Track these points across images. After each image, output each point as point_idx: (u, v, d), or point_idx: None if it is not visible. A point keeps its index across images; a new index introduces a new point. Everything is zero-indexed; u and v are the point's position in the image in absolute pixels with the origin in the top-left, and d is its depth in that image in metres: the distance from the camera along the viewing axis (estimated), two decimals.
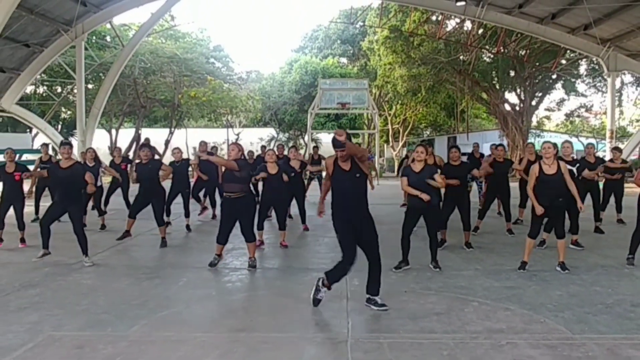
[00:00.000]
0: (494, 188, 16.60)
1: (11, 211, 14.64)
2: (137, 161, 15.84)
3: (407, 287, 10.11)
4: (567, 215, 13.02)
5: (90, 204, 18.51)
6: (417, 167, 11.45)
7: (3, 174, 14.50)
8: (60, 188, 12.44)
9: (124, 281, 10.88)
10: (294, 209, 17.50)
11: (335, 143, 8.53)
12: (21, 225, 14.78)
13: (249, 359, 6.90)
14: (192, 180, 18.42)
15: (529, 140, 40.74)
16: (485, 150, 21.20)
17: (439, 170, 12.33)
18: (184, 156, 17.80)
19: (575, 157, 14.55)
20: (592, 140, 41.95)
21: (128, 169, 19.53)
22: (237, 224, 11.77)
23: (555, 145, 11.96)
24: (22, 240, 14.66)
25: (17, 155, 16.97)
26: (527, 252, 11.67)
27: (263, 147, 21.05)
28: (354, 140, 56.73)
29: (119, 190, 19.05)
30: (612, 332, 7.71)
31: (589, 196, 16.09)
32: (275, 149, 17.28)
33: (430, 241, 11.74)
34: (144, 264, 12.59)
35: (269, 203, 14.95)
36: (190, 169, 17.82)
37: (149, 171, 14.69)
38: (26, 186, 15.51)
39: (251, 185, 18.03)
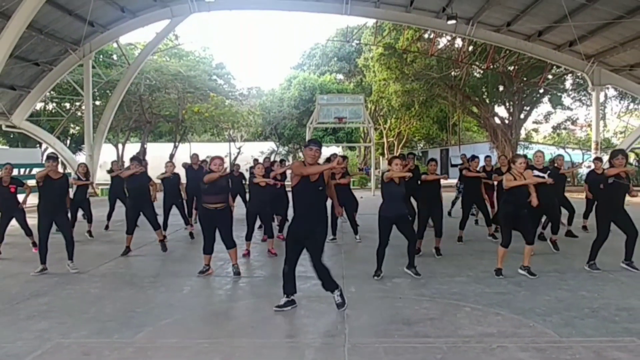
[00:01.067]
0: (470, 198, 16.73)
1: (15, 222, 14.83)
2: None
3: (401, 293, 10.10)
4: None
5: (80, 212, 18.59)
6: (397, 180, 11.48)
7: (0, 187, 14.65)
8: (52, 199, 12.42)
9: (130, 290, 10.87)
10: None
11: (315, 142, 8.82)
12: (28, 232, 14.99)
13: None
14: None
15: (518, 152, 40.89)
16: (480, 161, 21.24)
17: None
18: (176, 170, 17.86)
19: (546, 166, 14.70)
20: (578, 152, 41.97)
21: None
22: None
23: (525, 156, 12.12)
24: (34, 245, 14.54)
25: (28, 170, 17.04)
26: (501, 258, 11.72)
27: (255, 160, 21.02)
28: (350, 153, 56.95)
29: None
30: (599, 335, 7.70)
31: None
32: (263, 164, 17.25)
33: (408, 246, 11.67)
34: (149, 273, 12.54)
35: (255, 212, 14.95)
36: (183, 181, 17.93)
37: (138, 183, 14.81)
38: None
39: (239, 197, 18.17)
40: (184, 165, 19.39)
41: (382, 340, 7.63)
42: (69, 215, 16.69)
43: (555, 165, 16.48)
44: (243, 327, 8.48)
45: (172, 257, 14.49)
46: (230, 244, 11.93)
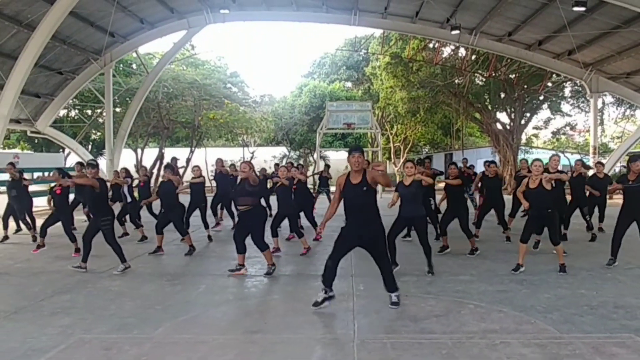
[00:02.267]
0: (489, 201, 16.72)
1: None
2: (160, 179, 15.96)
3: (408, 291, 10.07)
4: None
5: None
6: (407, 181, 11.61)
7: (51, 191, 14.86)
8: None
9: (149, 287, 10.89)
10: (303, 220, 17.52)
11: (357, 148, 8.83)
12: (72, 238, 14.97)
13: (263, 358, 6.87)
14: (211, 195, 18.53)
15: (519, 157, 40.90)
16: (479, 166, 21.22)
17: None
18: (203, 173, 17.88)
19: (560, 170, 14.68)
20: (578, 157, 41.91)
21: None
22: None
23: (540, 161, 12.17)
24: (77, 251, 14.53)
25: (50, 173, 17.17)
26: (522, 254, 11.80)
27: (277, 164, 21.16)
28: None
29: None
30: (597, 331, 7.68)
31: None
32: (286, 167, 17.35)
33: (423, 248, 11.80)
34: (167, 272, 12.59)
35: (284, 214, 15.10)
36: (207, 185, 17.92)
37: (167, 189, 14.83)
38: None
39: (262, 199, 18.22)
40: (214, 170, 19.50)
41: (390, 336, 7.61)
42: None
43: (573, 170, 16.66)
44: (257, 324, 8.45)
45: (187, 257, 14.50)
46: (261, 246, 11.87)
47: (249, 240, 11.83)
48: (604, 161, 30.47)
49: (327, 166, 28.16)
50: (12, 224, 18.28)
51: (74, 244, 14.80)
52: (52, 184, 15.46)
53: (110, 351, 7.09)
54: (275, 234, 14.82)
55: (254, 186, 11.84)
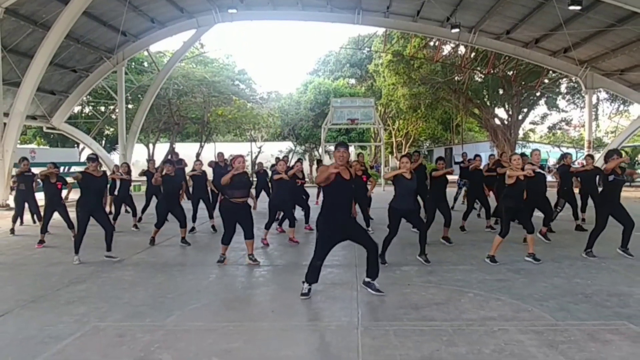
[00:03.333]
0: (475, 193, 16.97)
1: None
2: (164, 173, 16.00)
3: (410, 280, 10.09)
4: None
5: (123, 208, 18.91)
6: (408, 175, 11.58)
7: (47, 183, 14.85)
8: (91, 195, 12.48)
9: (160, 277, 10.90)
10: (297, 211, 17.56)
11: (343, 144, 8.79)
12: (70, 225, 15.18)
13: (271, 344, 6.89)
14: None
15: (516, 151, 40.84)
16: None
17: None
18: (204, 168, 17.97)
19: (542, 164, 14.79)
20: (572, 150, 41.98)
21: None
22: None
23: (523, 154, 12.33)
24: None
25: (67, 168, 17.30)
26: (495, 247, 11.89)
27: (277, 159, 21.15)
28: (361, 151, 56.86)
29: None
30: (592, 319, 7.68)
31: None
32: (284, 160, 17.45)
33: (420, 236, 11.87)
34: (178, 262, 12.63)
35: (277, 204, 15.14)
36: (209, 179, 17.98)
37: (171, 184, 14.95)
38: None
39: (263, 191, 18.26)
40: (211, 163, 19.43)
41: (392, 323, 7.62)
42: (113, 209, 17.02)
43: (564, 162, 16.73)
44: (264, 312, 8.50)
45: (198, 247, 14.55)
46: (250, 235, 11.94)
47: (259, 233, 11.91)
48: (597, 155, 30.48)
49: (319, 161, 28.12)
50: (27, 216, 18.37)
51: (72, 231, 14.91)
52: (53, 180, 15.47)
53: (124, 338, 7.11)
54: (268, 227, 14.92)
55: (248, 181, 11.95)
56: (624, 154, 14.06)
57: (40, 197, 16.49)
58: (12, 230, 17.26)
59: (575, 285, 9.70)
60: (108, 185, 15.39)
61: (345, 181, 8.59)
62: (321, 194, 22.40)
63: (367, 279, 9.08)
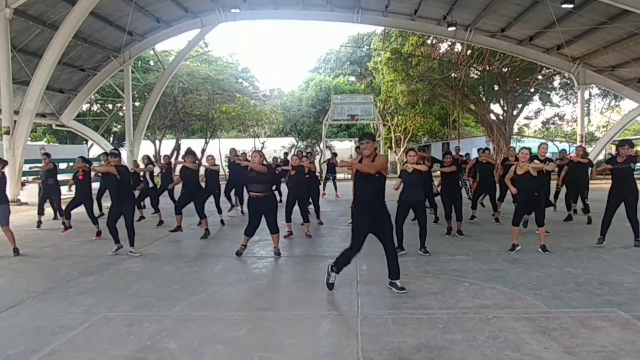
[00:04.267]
0: (482, 184, 16.94)
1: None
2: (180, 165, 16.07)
3: (407, 270, 10.11)
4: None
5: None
6: (409, 168, 11.69)
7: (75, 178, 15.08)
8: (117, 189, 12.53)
9: (167, 269, 10.95)
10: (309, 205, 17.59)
11: (365, 137, 8.69)
12: (94, 221, 15.26)
13: (274, 333, 6.92)
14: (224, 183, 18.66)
15: (511, 145, 40.89)
16: (474, 154, 21.25)
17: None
18: (217, 162, 18.00)
19: (548, 157, 14.79)
20: (566, 145, 42.10)
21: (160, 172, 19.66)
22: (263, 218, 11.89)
23: (529, 149, 12.35)
24: (98, 234, 14.94)
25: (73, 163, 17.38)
26: (515, 236, 12.07)
27: (286, 154, 21.21)
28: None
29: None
30: (583, 306, 7.72)
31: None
32: (298, 156, 17.50)
33: (420, 231, 11.96)
34: (184, 254, 12.71)
35: (294, 198, 15.15)
36: (221, 173, 18.02)
37: (191, 174, 14.97)
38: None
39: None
40: (227, 159, 19.46)
41: (391, 312, 7.66)
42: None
43: (560, 156, 16.87)
44: (267, 302, 8.51)
45: (203, 240, 14.56)
46: (274, 229, 12.00)
47: (261, 225, 11.94)
48: (590, 149, 30.60)
49: (334, 154, 28.17)
50: (48, 209, 18.43)
51: (96, 227, 15.01)
52: (75, 171, 15.53)
53: (131, 328, 7.15)
54: (289, 220, 14.93)
55: (267, 174, 11.90)
56: (613, 148, 14.04)
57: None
58: (39, 223, 17.36)
59: (567, 274, 9.74)
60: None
61: (369, 175, 8.45)
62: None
63: (390, 279, 8.90)
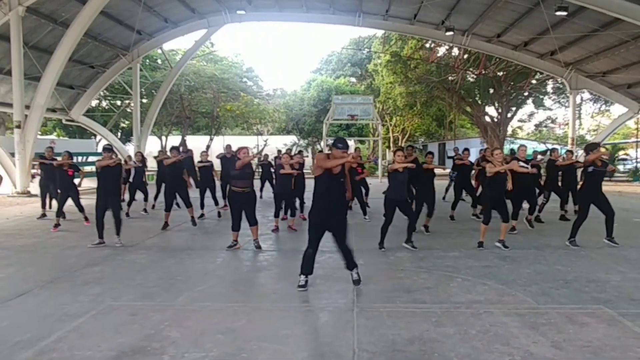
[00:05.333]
0: (461, 184, 17.58)
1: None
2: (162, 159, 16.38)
3: (403, 266, 10.14)
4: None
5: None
6: (400, 168, 11.75)
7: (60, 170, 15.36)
8: (107, 183, 12.60)
9: (170, 261, 10.98)
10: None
11: (342, 143, 8.56)
12: (80, 208, 15.69)
13: (273, 324, 6.94)
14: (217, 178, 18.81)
15: (505, 146, 40.97)
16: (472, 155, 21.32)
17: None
18: (209, 158, 18.23)
19: (528, 159, 14.96)
20: (557, 146, 42.16)
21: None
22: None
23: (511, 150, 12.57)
24: (86, 219, 15.52)
25: (85, 158, 17.49)
26: (483, 234, 12.25)
27: (279, 151, 21.19)
28: (360, 145, 56.87)
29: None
30: (571, 302, 7.74)
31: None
32: (288, 153, 17.61)
33: (408, 224, 12.09)
34: (187, 247, 12.70)
35: (281, 194, 15.24)
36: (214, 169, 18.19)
37: (177, 169, 15.33)
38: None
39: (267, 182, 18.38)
40: (219, 156, 19.49)
41: (386, 305, 7.67)
42: (128, 196, 17.27)
43: (551, 157, 16.94)
44: (267, 293, 8.59)
45: (206, 233, 14.67)
46: (253, 222, 12.05)
47: (264, 221, 12.00)
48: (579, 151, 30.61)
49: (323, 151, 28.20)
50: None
51: (82, 214, 15.61)
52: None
53: (136, 317, 7.17)
54: (277, 215, 15.05)
55: (252, 171, 12.01)
56: (603, 149, 14.10)
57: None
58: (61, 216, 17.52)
59: (556, 271, 9.76)
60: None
61: (333, 175, 8.42)
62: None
63: (348, 269, 8.86)
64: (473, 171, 18.18)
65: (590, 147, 12.45)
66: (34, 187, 25.59)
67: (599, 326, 6.75)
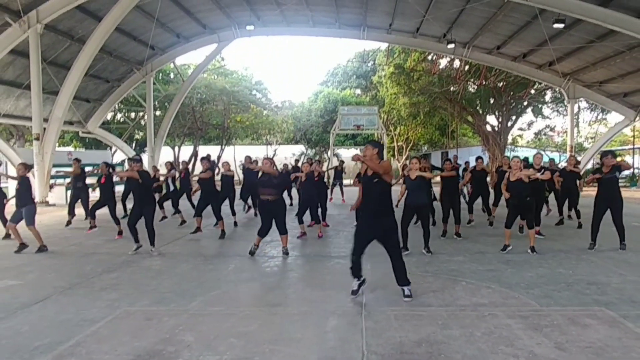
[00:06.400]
0: (477, 190, 17.09)
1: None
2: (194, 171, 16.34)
3: (409, 270, 9.96)
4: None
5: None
6: (412, 175, 11.76)
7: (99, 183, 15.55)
8: (139, 192, 12.60)
9: (185, 266, 10.97)
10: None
11: (375, 144, 8.42)
12: (116, 221, 15.39)
13: (284, 327, 6.91)
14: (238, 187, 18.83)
15: (505, 154, 40.90)
16: (472, 162, 21.27)
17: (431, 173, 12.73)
18: (232, 168, 18.10)
19: (543, 165, 14.80)
20: (556, 154, 42.16)
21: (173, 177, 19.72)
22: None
23: (521, 158, 12.54)
24: (120, 233, 15.10)
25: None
26: (507, 237, 12.25)
27: (296, 160, 21.30)
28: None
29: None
30: (572, 305, 7.70)
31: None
32: (309, 163, 17.69)
33: (423, 232, 12.05)
34: (201, 253, 12.69)
35: (306, 203, 15.29)
36: (235, 178, 18.12)
37: (207, 181, 15.14)
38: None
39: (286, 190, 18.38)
40: (242, 167, 19.47)
41: (393, 308, 7.65)
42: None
43: (565, 165, 16.96)
44: (278, 298, 8.51)
45: (219, 240, 14.59)
46: (283, 231, 12.06)
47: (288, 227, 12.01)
48: (579, 158, 30.63)
49: (342, 162, 28.26)
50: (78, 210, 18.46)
51: (118, 227, 15.16)
52: (100, 175, 15.73)
53: (151, 321, 7.15)
54: (301, 222, 15.04)
55: (278, 179, 11.91)
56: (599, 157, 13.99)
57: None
58: (69, 222, 17.52)
59: (558, 275, 9.72)
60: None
61: (367, 177, 8.22)
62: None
63: (400, 286, 8.45)
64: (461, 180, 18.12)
65: (604, 154, 12.50)
66: (53, 197, 25.69)
67: (601, 327, 6.70)
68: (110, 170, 15.92)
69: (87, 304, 8.04)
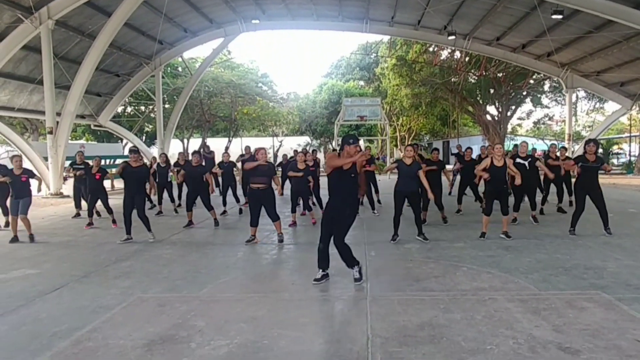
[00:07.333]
0: (466, 179, 17.21)
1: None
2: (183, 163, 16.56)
3: (412, 256, 10.15)
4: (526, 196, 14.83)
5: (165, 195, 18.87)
6: (407, 161, 11.90)
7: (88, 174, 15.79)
8: (132, 182, 12.76)
9: (195, 255, 11.03)
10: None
11: (352, 138, 8.47)
12: (109, 211, 15.65)
13: (291, 312, 6.97)
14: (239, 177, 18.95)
15: (505, 143, 40.94)
16: (476, 150, 21.20)
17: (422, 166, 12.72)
18: (232, 158, 18.21)
19: (528, 154, 14.81)
20: (555, 142, 42.08)
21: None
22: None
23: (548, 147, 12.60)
24: (114, 222, 15.39)
25: (112, 160, 17.54)
26: (485, 224, 12.34)
27: (295, 151, 21.24)
28: (369, 144, 56.83)
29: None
30: (570, 289, 7.74)
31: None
32: (303, 152, 17.77)
33: (415, 218, 12.07)
34: (210, 241, 12.75)
35: (297, 191, 15.38)
36: (235, 169, 18.13)
37: (197, 172, 15.20)
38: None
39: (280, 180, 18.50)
40: (239, 159, 19.47)
41: (397, 294, 7.70)
42: (156, 196, 17.31)
43: (549, 153, 16.84)
44: (285, 284, 8.62)
45: (227, 228, 14.69)
46: (274, 218, 12.11)
47: (281, 217, 12.04)
48: (577, 146, 30.58)
49: (335, 150, 28.29)
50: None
51: (111, 216, 15.52)
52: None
53: (164, 307, 7.22)
54: (293, 210, 15.20)
55: (268, 169, 12.00)
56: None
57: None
58: (78, 215, 17.67)
59: (555, 260, 9.76)
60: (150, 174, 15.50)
61: (344, 171, 8.26)
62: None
63: (348, 267, 8.56)
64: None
65: (587, 142, 12.53)
66: (67, 189, 25.77)
67: (597, 310, 6.75)
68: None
69: (102, 292, 8.11)
